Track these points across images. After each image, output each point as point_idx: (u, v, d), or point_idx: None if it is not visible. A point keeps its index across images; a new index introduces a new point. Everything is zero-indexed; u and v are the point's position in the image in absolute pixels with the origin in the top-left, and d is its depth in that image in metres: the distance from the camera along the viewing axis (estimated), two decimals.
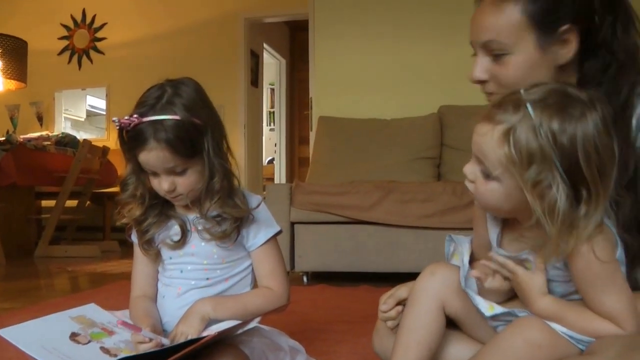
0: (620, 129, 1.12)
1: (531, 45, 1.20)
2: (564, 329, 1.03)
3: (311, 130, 4.93)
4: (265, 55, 8.27)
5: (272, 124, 9.76)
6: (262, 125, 8.13)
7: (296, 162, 9.49)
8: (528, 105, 1.00)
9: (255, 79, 7.46)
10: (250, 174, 7.12)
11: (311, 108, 5.02)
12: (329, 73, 4.91)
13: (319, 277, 3.87)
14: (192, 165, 1.37)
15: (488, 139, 1.03)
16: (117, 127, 1.36)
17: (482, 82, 1.31)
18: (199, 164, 1.38)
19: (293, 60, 9.50)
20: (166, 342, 1.29)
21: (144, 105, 1.35)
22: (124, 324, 1.29)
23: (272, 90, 9.63)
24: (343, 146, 4.40)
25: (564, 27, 1.18)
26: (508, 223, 1.16)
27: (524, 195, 1.00)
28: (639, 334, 1.00)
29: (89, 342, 1.27)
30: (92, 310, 1.41)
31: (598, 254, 0.99)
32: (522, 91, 1.03)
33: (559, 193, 0.97)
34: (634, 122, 1.17)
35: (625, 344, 0.96)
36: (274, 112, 9.62)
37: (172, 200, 1.43)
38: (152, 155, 1.33)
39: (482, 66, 1.28)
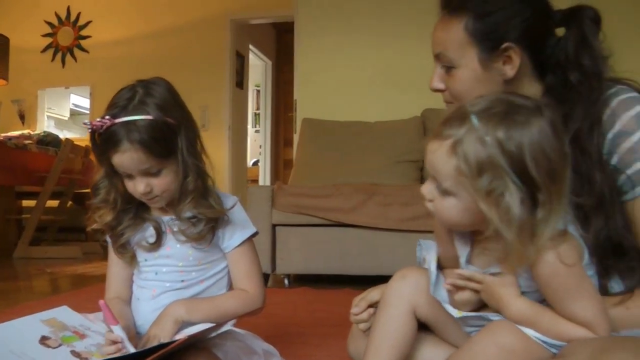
0: (582, 144, 1.17)
1: (474, 60, 1.25)
2: (537, 334, 1.04)
3: (295, 133, 4.92)
4: (251, 57, 8.26)
5: (257, 125, 9.75)
6: (247, 127, 8.13)
7: (281, 164, 9.49)
8: (472, 116, 1.01)
9: (240, 81, 7.45)
10: (234, 176, 7.10)
11: (295, 110, 5.01)
12: (314, 75, 4.91)
13: (301, 280, 3.87)
14: (167, 166, 1.36)
15: (438, 155, 1.04)
16: (89, 130, 1.34)
17: (440, 91, 1.36)
18: (174, 164, 1.37)
19: (279, 62, 9.49)
20: (132, 349, 1.27)
21: (116, 106, 1.34)
22: (105, 307, 1.27)
23: (258, 91, 9.62)
24: (326, 148, 4.40)
25: (505, 45, 1.22)
26: (473, 238, 1.16)
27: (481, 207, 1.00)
28: (609, 337, 1.01)
29: (60, 345, 1.25)
30: (63, 313, 1.39)
31: (564, 262, 1.00)
32: (467, 104, 1.05)
33: (513, 199, 0.97)
34: (609, 137, 1.19)
35: (597, 347, 0.96)
36: (259, 114, 9.61)
37: (148, 202, 1.41)
38: (126, 157, 1.31)
39: (438, 76, 1.33)
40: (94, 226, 1.44)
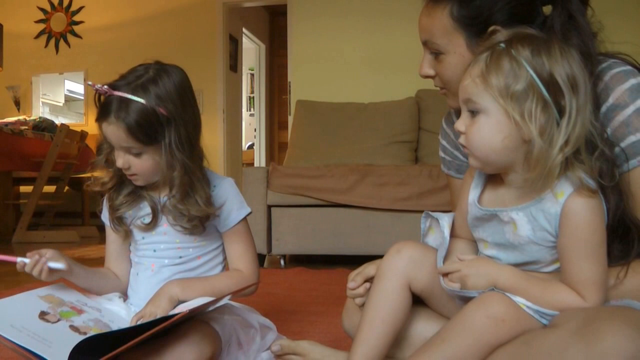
0: None
1: (462, 46, 1.26)
2: (528, 303, 1.05)
3: (290, 115, 4.93)
4: (245, 40, 8.22)
5: (251, 109, 9.72)
6: (241, 111, 8.10)
7: (276, 147, 9.48)
8: (501, 44, 1.07)
9: (234, 64, 7.41)
10: (229, 160, 7.09)
11: (290, 92, 5.02)
12: (308, 57, 4.92)
13: (296, 260, 3.89)
14: (148, 151, 1.38)
15: (472, 79, 1.08)
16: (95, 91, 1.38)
17: (431, 77, 1.37)
18: (156, 153, 1.39)
19: (272, 45, 9.46)
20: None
21: (123, 79, 1.38)
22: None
23: (252, 75, 9.58)
24: (321, 130, 4.41)
25: (492, 29, 1.22)
26: (489, 182, 1.18)
27: (511, 121, 1.03)
28: (600, 307, 1.02)
29: (58, 320, 1.27)
30: (60, 289, 1.41)
31: (594, 213, 1.03)
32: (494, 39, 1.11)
33: (537, 105, 1.02)
34: (603, 110, 1.18)
35: (587, 316, 0.97)
36: (253, 97, 9.58)
37: (128, 177, 1.44)
38: (110, 130, 1.35)
39: (427, 63, 1.34)
40: (95, 189, 1.49)
